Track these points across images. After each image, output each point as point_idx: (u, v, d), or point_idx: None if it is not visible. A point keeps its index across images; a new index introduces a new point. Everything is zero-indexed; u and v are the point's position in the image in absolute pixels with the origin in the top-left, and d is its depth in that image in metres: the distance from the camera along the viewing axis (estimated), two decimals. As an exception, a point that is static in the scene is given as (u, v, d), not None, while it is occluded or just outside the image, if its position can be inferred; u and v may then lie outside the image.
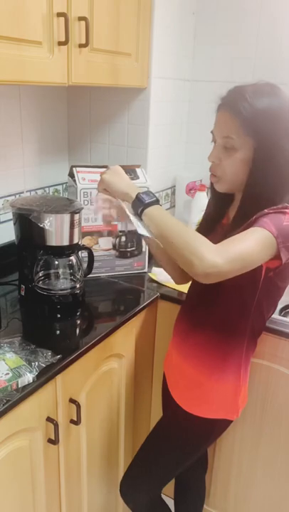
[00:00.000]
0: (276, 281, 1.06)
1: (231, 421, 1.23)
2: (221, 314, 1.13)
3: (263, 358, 1.38)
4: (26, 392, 1.00)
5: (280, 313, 1.59)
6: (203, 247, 0.92)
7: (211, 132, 1.07)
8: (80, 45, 1.26)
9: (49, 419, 1.10)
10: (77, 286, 1.39)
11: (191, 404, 1.20)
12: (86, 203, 1.49)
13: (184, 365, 1.22)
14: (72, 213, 1.29)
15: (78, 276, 1.40)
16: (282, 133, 0.97)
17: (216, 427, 1.23)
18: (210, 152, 1.07)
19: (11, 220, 1.39)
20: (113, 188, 1.08)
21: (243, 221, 1.00)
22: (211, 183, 1.12)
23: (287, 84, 1.69)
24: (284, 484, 1.48)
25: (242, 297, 1.08)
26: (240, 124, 0.97)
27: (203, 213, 1.25)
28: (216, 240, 0.97)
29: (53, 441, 1.12)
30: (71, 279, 1.40)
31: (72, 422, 1.19)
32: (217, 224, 1.16)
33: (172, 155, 1.89)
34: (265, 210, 0.97)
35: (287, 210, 0.98)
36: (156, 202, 1.03)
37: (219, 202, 1.16)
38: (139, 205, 1.02)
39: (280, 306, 1.62)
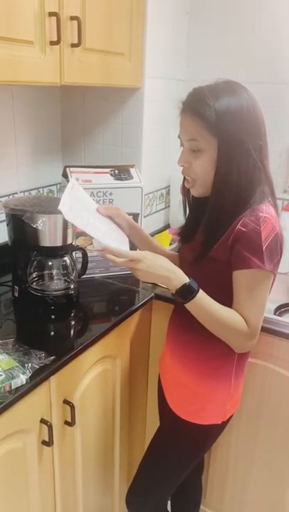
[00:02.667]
0: None
1: (225, 424, 1.22)
2: None
3: (258, 357, 1.38)
4: (20, 394, 1.00)
5: (274, 313, 1.59)
6: (241, 341, 1.06)
7: (178, 137, 1.08)
8: (73, 45, 1.26)
9: (43, 421, 1.09)
10: (72, 287, 1.38)
11: (184, 411, 1.19)
12: (80, 203, 1.48)
13: (176, 369, 1.21)
14: (66, 214, 1.29)
15: (72, 277, 1.40)
16: (242, 128, 0.99)
17: (210, 433, 1.22)
18: (179, 157, 1.08)
19: (4, 221, 1.38)
20: (148, 279, 1.05)
21: (214, 217, 1.03)
22: (187, 191, 1.13)
23: (282, 83, 1.72)
24: (280, 484, 1.48)
25: (231, 301, 1.07)
26: (203, 125, 0.99)
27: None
28: (193, 250, 1.08)
29: (47, 443, 1.11)
30: (65, 280, 1.39)
31: (66, 423, 1.18)
32: (195, 233, 1.16)
33: (166, 155, 1.89)
34: (242, 229, 0.98)
35: (258, 226, 0.97)
36: (194, 294, 1.02)
37: (195, 209, 1.17)
38: (188, 295, 1.02)
39: (274, 305, 1.62)
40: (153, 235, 1.89)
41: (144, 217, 1.60)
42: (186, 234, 1.21)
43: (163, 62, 1.73)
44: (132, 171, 1.58)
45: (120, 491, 1.58)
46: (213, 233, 1.05)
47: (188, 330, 1.16)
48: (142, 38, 1.58)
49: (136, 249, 1.16)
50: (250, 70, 1.75)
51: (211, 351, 1.13)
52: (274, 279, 1.06)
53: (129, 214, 1.56)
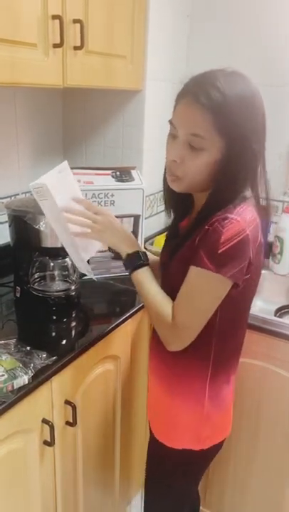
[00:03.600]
0: (239, 297, 0.99)
1: (209, 454, 1.15)
2: None
3: (258, 358, 1.38)
4: (22, 394, 1.00)
5: (275, 314, 1.60)
6: (163, 332, 1.01)
7: (170, 123, 0.94)
8: (75, 48, 1.27)
9: (44, 421, 1.10)
10: (73, 287, 1.39)
11: (159, 432, 1.15)
12: (81, 204, 1.49)
13: (152, 384, 1.18)
14: (68, 215, 1.29)
15: (74, 278, 1.40)
16: (251, 131, 0.90)
17: (190, 459, 1.13)
18: (167, 148, 0.96)
19: (6, 222, 1.39)
20: (102, 237, 1.07)
21: (203, 223, 0.93)
22: (165, 183, 1.03)
23: (282, 85, 1.73)
24: (280, 484, 1.48)
25: None
26: (212, 122, 0.87)
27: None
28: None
29: (49, 443, 1.11)
30: (66, 281, 1.40)
31: (67, 423, 1.18)
32: (178, 227, 1.10)
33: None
34: (207, 228, 0.91)
35: (220, 226, 0.89)
36: (141, 266, 1.04)
37: (179, 203, 1.09)
38: (131, 264, 1.05)
39: (275, 307, 1.63)
40: (154, 236, 1.90)
41: (145, 218, 1.61)
42: (171, 232, 1.14)
43: (164, 64, 1.74)
44: (134, 172, 1.59)
45: (120, 491, 1.59)
46: (189, 232, 0.98)
47: (160, 344, 1.07)
48: (144, 40, 1.59)
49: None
50: (251, 72, 1.73)
51: (180, 369, 1.07)
52: (249, 288, 0.99)
53: (130, 216, 1.58)
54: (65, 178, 1.11)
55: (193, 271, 0.93)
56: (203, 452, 1.12)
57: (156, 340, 1.10)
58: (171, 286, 1.00)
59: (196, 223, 0.97)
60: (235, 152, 0.89)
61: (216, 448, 1.16)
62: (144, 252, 1.07)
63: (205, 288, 0.94)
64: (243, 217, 0.90)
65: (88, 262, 1.19)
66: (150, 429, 1.20)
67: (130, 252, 1.05)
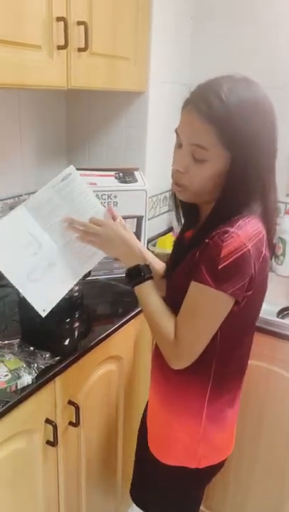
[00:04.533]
0: (241, 315, 0.94)
1: (204, 475, 1.11)
2: None
3: (261, 360, 1.39)
4: (25, 394, 1.01)
5: (277, 316, 1.60)
6: (164, 349, 0.98)
7: (176, 132, 0.92)
8: (79, 49, 1.27)
9: (48, 421, 1.10)
10: (76, 288, 1.39)
11: (155, 445, 1.12)
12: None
13: (151, 396, 1.16)
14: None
15: (77, 279, 1.40)
16: (259, 143, 0.86)
17: (185, 477, 1.09)
18: (174, 157, 0.94)
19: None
20: (105, 251, 1.09)
21: (205, 236, 0.90)
22: (173, 193, 1.01)
23: (285, 87, 1.73)
24: (282, 486, 1.48)
25: None
26: (217, 135, 0.84)
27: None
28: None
29: (52, 443, 1.12)
30: (70, 282, 1.40)
31: (71, 424, 1.19)
32: (183, 238, 1.08)
33: (171, 158, 1.89)
34: (207, 240, 0.87)
35: (220, 241, 0.85)
36: (141, 282, 1.02)
37: (187, 212, 1.06)
38: (134, 278, 1.03)
39: (277, 308, 1.63)
40: (157, 237, 1.90)
41: (148, 219, 1.61)
42: (178, 242, 1.11)
43: (167, 66, 1.74)
44: (137, 173, 1.59)
45: (123, 492, 1.59)
46: (193, 245, 0.95)
47: (160, 356, 1.05)
48: (147, 42, 1.60)
49: None
50: (255, 74, 1.74)
51: (180, 382, 1.03)
52: (252, 305, 0.96)
53: (133, 217, 1.58)
54: (70, 184, 1.10)
55: (194, 286, 0.90)
56: (198, 471, 1.08)
57: (157, 353, 1.07)
58: (174, 299, 0.97)
59: (199, 235, 0.94)
60: (240, 165, 0.86)
61: (214, 469, 1.12)
62: (146, 266, 1.03)
63: (206, 304, 0.90)
64: (244, 231, 0.86)
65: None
66: (146, 441, 1.16)
67: (131, 266, 1.03)
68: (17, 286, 1.04)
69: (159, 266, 1.16)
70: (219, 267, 0.85)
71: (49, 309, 1.10)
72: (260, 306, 1.02)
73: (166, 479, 1.13)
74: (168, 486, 1.15)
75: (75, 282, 1.18)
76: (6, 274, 1.02)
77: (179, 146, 0.92)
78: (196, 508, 1.26)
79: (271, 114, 0.89)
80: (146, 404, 1.24)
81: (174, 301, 0.98)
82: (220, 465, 1.13)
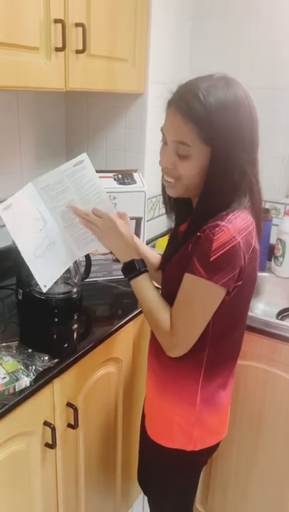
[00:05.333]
0: (232, 304, 0.99)
1: (199, 457, 1.16)
2: None
3: (260, 361, 1.38)
4: (23, 396, 1.00)
5: (277, 317, 1.59)
6: (162, 339, 1.02)
7: (161, 131, 0.98)
8: (77, 51, 1.27)
9: (46, 423, 1.10)
10: (75, 290, 1.39)
11: (153, 430, 1.16)
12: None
13: (148, 382, 1.19)
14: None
15: (76, 281, 1.40)
16: (238, 139, 0.90)
17: (181, 459, 1.14)
18: (160, 154, 0.99)
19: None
20: (101, 241, 1.09)
21: (196, 230, 0.94)
22: (163, 188, 1.05)
23: (285, 88, 1.73)
24: (282, 488, 1.48)
25: None
26: (196, 132, 0.89)
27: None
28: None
29: (51, 446, 1.12)
30: (68, 283, 1.40)
31: (69, 426, 1.19)
32: (177, 231, 1.11)
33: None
34: (199, 235, 0.91)
35: (211, 234, 0.89)
36: (136, 276, 1.05)
37: (179, 207, 1.09)
38: (130, 271, 1.06)
39: (277, 309, 1.63)
40: (156, 239, 1.90)
41: (147, 221, 1.61)
42: (172, 235, 1.15)
43: (166, 67, 1.74)
44: (136, 175, 1.59)
45: (122, 493, 1.59)
46: (186, 238, 0.99)
47: (159, 344, 1.08)
48: (146, 43, 1.59)
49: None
50: (253, 75, 1.76)
51: (175, 368, 1.07)
52: (242, 294, 0.98)
53: (133, 218, 1.57)
54: (81, 171, 1.11)
55: (187, 278, 0.94)
56: (194, 453, 1.12)
57: (154, 341, 1.11)
58: (170, 291, 1.01)
59: (190, 229, 0.98)
60: (220, 159, 0.90)
61: (209, 451, 1.16)
62: (141, 260, 1.07)
63: (198, 295, 0.95)
64: (234, 224, 0.91)
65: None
66: (145, 428, 1.21)
67: (126, 260, 1.06)
68: (26, 260, 1.07)
69: (155, 259, 1.22)
70: (211, 259, 0.89)
71: (49, 285, 1.14)
72: (251, 295, 1.06)
73: (165, 462, 1.17)
74: (166, 468, 1.19)
75: (71, 263, 1.22)
76: (19, 247, 1.06)
77: (164, 143, 0.98)
78: (194, 492, 1.29)
79: (250, 110, 0.92)
80: (145, 395, 1.27)
81: (169, 292, 1.02)
82: (215, 447, 1.18)
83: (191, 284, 0.94)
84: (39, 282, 1.12)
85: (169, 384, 1.10)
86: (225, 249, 0.89)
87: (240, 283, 0.95)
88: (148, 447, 1.20)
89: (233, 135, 0.89)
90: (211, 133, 0.88)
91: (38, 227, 1.10)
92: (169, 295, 1.02)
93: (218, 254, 0.89)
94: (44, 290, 1.13)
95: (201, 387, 1.07)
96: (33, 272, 1.09)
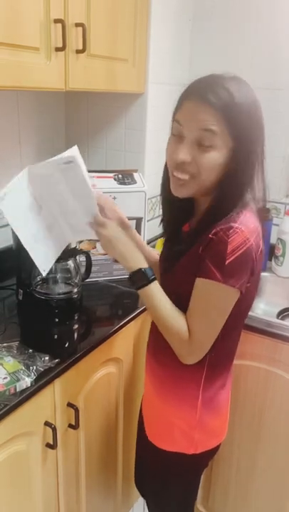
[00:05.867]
0: (238, 305, 0.97)
1: (200, 460, 1.15)
2: None
3: (261, 361, 1.38)
4: (24, 397, 1.00)
5: (277, 317, 1.59)
6: (180, 348, 0.99)
7: (176, 122, 0.92)
8: (78, 51, 1.27)
9: (47, 424, 1.10)
10: (75, 290, 1.39)
11: (153, 433, 1.15)
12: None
13: (147, 385, 1.18)
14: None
15: (76, 281, 1.40)
16: (256, 133, 0.90)
17: (182, 462, 1.12)
18: (174, 149, 0.92)
19: (8, 224, 1.39)
20: (106, 248, 1.04)
21: (205, 230, 0.93)
22: (166, 188, 1.02)
23: (285, 88, 1.73)
24: (283, 488, 1.48)
25: None
26: (224, 120, 0.86)
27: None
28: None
29: (51, 446, 1.12)
30: (69, 284, 1.40)
31: (70, 426, 1.18)
32: (180, 232, 1.08)
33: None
34: (212, 237, 0.89)
35: (226, 236, 0.88)
36: (149, 283, 0.99)
37: (179, 208, 1.07)
38: (139, 281, 1.00)
39: (277, 309, 1.63)
40: (156, 239, 1.90)
41: (148, 221, 1.61)
42: (169, 236, 1.12)
43: (166, 67, 1.74)
44: (136, 175, 1.59)
45: (123, 494, 1.59)
46: (190, 239, 0.97)
47: (157, 344, 1.09)
48: (146, 44, 1.59)
49: None
50: (254, 75, 1.75)
51: (177, 369, 1.05)
52: (249, 295, 0.98)
53: (133, 218, 1.58)
54: (74, 169, 1.06)
55: (203, 283, 0.92)
56: (195, 456, 1.11)
57: (154, 343, 1.10)
58: (177, 294, 0.99)
59: (200, 229, 0.96)
60: (242, 155, 0.89)
61: (210, 453, 1.15)
62: (149, 268, 1.01)
63: (216, 300, 0.93)
64: (246, 226, 0.89)
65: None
66: (144, 430, 1.20)
67: (134, 270, 1.00)
68: (25, 246, 1.05)
69: (157, 257, 1.20)
70: (226, 263, 0.88)
71: (48, 269, 1.11)
72: (255, 296, 1.05)
73: (165, 465, 1.16)
74: (167, 472, 1.17)
75: (65, 245, 1.20)
76: (17, 232, 1.04)
77: (178, 138, 0.92)
78: (194, 494, 1.28)
79: (261, 110, 0.93)
80: (143, 396, 1.27)
81: (177, 296, 0.99)
82: (215, 450, 1.17)
83: (208, 288, 0.92)
84: (39, 267, 1.09)
85: (170, 387, 1.09)
86: (239, 252, 0.88)
87: (248, 284, 0.95)
88: (147, 450, 1.19)
89: (256, 132, 0.90)
90: (237, 124, 0.86)
91: (35, 212, 1.08)
92: (175, 298, 1.00)
93: (233, 257, 0.88)
94: (44, 274, 1.11)
95: (203, 390, 1.06)
96: (32, 257, 1.07)
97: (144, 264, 1.01)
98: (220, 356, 1.06)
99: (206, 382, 1.06)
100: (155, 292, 0.99)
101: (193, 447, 1.10)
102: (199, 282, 0.93)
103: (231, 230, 0.88)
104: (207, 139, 0.87)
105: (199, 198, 1.01)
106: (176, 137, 0.93)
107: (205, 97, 0.87)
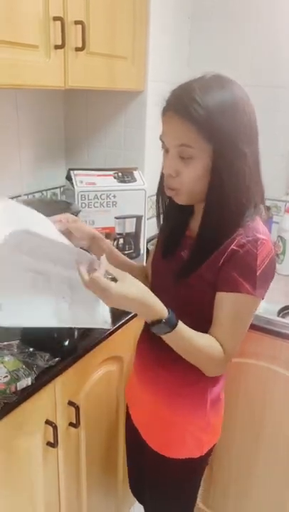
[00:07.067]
0: None
1: (205, 460, 1.15)
2: None
3: (261, 359, 1.38)
4: (25, 395, 1.00)
5: (278, 315, 1.59)
6: (215, 368, 0.99)
7: (160, 139, 0.96)
8: (77, 49, 1.27)
9: (48, 422, 1.10)
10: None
11: (159, 444, 1.11)
12: (84, 205, 1.49)
13: (147, 399, 1.12)
14: (70, 216, 1.29)
15: (76, 279, 1.40)
16: (239, 134, 0.88)
17: (190, 467, 1.13)
18: (163, 163, 0.96)
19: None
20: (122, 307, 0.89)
21: (209, 233, 0.94)
22: (159, 192, 1.04)
23: (285, 87, 1.73)
24: (283, 486, 1.48)
25: (209, 325, 0.97)
26: (196, 130, 0.87)
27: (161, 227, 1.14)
28: (176, 266, 0.99)
29: (52, 444, 1.12)
30: (69, 282, 1.40)
31: (71, 424, 1.19)
32: (181, 237, 1.06)
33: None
34: (237, 250, 0.89)
35: (255, 249, 0.89)
36: (173, 329, 0.91)
37: (179, 214, 1.05)
38: (166, 329, 0.90)
39: (278, 307, 1.62)
40: (156, 237, 1.89)
41: (148, 219, 1.61)
42: (168, 247, 1.08)
43: (165, 65, 1.74)
44: (136, 173, 1.59)
45: (124, 492, 1.59)
46: (203, 249, 0.95)
47: (158, 352, 1.05)
48: (145, 42, 1.59)
49: None
50: (253, 73, 1.76)
51: (182, 376, 1.03)
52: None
53: (133, 216, 1.58)
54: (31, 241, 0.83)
55: (231, 297, 0.92)
56: (202, 458, 1.11)
57: (157, 355, 1.06)
58: (190, 298, 0.98)
59: (208, 238, 0.94)
60: (225, 156, 0.88)
61: (212, 450, 1.15)
62: (169, 317, 0.90)
63: (248, 312, 0.95)
64: (268, 236, 0.93)
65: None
66: (142, 443, 1.16)
67: (154, 319, 0.90)
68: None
69: (132, 263, 1.20)
70: (257, 274, 0.90)
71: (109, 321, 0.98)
72: None
73: (174, 473, 1.14)
74: (175, 478, 1.16)
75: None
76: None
77: (166, 151, 0.95)
78: (197, 493, 1.28)
79: (247, 108, 0.90)
80: (127, 407, 1.25)
81: (188, 300, 0.98)
82: (215, 445, 1.17)
83: (238, 301, 0.92)
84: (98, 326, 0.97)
85: (180, 395, 1.07)
86: (267, 262, 0.91)
87: None
88: (152, 462, 1.15)
89: (233, 129, 0.88)
90: (211, 130, 0.86)
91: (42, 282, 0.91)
92: (188, 302, 0.98)
93: (262, 269, 0.90)
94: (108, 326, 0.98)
95: (210, 391, 1.07)
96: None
97: (162, 314, 0.90)
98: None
99: (212, 383, 1.06)
100: (182, 335, 0.92)
101: (201, 449, 1.10)
102: (227, 297, 0.92)
103: (259, 242, 0.90)
104: (185, 152, 0.89)
105: (197, 203, 1.00)
106: (165, 151, 0.96)
107: (176, 110, 0.89)
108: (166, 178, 0.96)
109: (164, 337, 0.92)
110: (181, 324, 0.91)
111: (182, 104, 0.88)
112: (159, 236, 1.16)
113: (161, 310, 0.90)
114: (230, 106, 0.88)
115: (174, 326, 0.90)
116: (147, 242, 1.73)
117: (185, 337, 0.92)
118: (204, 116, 0.86)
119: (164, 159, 0.97)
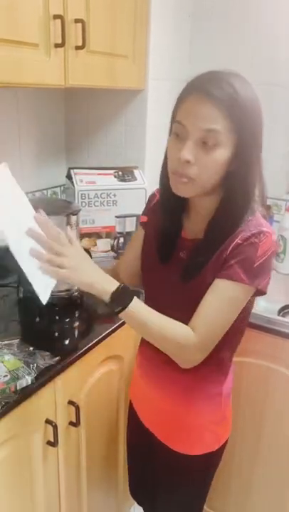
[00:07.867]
0: (249, 304, 1.00)
1: (221, 452, 1.15)
2: None
3: (262, 358, 1.38)
4: (25, 394, 1.00)
5: (278, 314, 1.59)
6: (185, 354, 0.94)
7: (177, 122, 0.88)
8: (77, 47, 1.26)
9: (48, 421, 1.10)
10: (76, 287, 1.39)
11: (178, 443, 1.10)
12: (84, 204, 1.49)
13: (154, 395, 1.11)
14: (69, 215, 1.29)
15: (76, 278, 1.40)
16: (258, 128, 0.89)
17: (209, 462, 1.13)
18: (176, 149, 0.88)
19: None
20: (75, 279, 0.92)
21: (219, 228, 0.93)
22: (165, 190, 0.98)
23: (285, 86, 1.72)
24: (284, 485, 1.48)
25: None
26: (227, 116, 0.83)
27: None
28: (178, 268, 0.98)
29: (52, 444, 1.12)
30: (69, 281, 1.40)
31: (71, 424, 1.18)
32: (176, 239, 1.02)
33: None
34: (238, 241, 0.90)
35: (258, 240, 0.89)
36: (132, 300, 0.91)
37: (173, 213, 1.01)
38: (116, 307, 0.91)
39: (278, 306, 1.62)
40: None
41: (148, 218, 1.60)
42: (165, 251, 1.03)
43: (166, 63, 1.74)
44: (136, 172, 1.59)
45: (124, 491, 1.58)
46: (211, 244, 0.94)
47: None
48: (146, 40, 1.58)
49: None
50: (254, 71, 1.74)
51: (200, 372, 1.00)
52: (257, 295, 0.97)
53: (133, 215, 1.58)
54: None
55: (227, 284, 0.91)
56: (219, 450, 1.13)
57: (152, 349, 1.01)
58: (194, 304, 0.95)
59: (217, 233, 0.94)
60: (246, 151, 0.87)
61: (226, 442, 1.17)
62: (125, 286, 0.93)
63: (235, 300, 0.93)
64: (271, 229, 0.93)
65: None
66: (157, 442, 1.14)
67: (113, 289, 0.91)
68: (27, 273, 0.96)
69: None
70: (255, 265, 0.90)
71: (47, 299, 1.03)
72: None
73: (195, 470, 1.14)
74: (197, 475, 1.16)
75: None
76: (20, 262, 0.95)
77: (180, 137, 0.88)
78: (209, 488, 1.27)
79: (261, 106, 0.91)
80: (131, 408, 1.24)
81: (197, 301, 0.95)
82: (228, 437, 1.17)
83: (230, 290, 0.91)
84: (40, 296, 1.01)
85: (195, 392, 1.06)
86: (268, 255, 0.91)
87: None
88: (165, 459, 1.14)
89: (257, 124, 0.88)
90: (240, 120, 0.84)
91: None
92: (198, 301, 0.94)
93: (261, 260, 0.90)
94: (44, 303, 1.01)
95: (224, 385, 1.08)
96: (34, 287, 0.98)
97: (117, 282, 0.93)
98: (233, 349, 1.08)
99: (225, 377, 1.08)
100: (141, 306, 0.93)
101: (219, 442, 1.12)
102: (221, 283, 0.92)
103: (262, 234, 0.90)
104: (211, 138, 0.84)
105: (198, 198, 0.96)
106: (178, 137, 0.89)
107: (209, 92, 0.83)
108: (179, 165, 0.88)
109: (126, 313, 0.91)
110: (138, 301, 0.92)
111: (216, 86, 0.83)
112: (144, 245, 1.11)
113: (113, 281, 0.93)
114: (257, 100, 0.88)
115: (130, 299, 0.91)
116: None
117: (145, 310, 0.92)
118: (236, 103, 0.83)
119: (173, 145, 0.90)
